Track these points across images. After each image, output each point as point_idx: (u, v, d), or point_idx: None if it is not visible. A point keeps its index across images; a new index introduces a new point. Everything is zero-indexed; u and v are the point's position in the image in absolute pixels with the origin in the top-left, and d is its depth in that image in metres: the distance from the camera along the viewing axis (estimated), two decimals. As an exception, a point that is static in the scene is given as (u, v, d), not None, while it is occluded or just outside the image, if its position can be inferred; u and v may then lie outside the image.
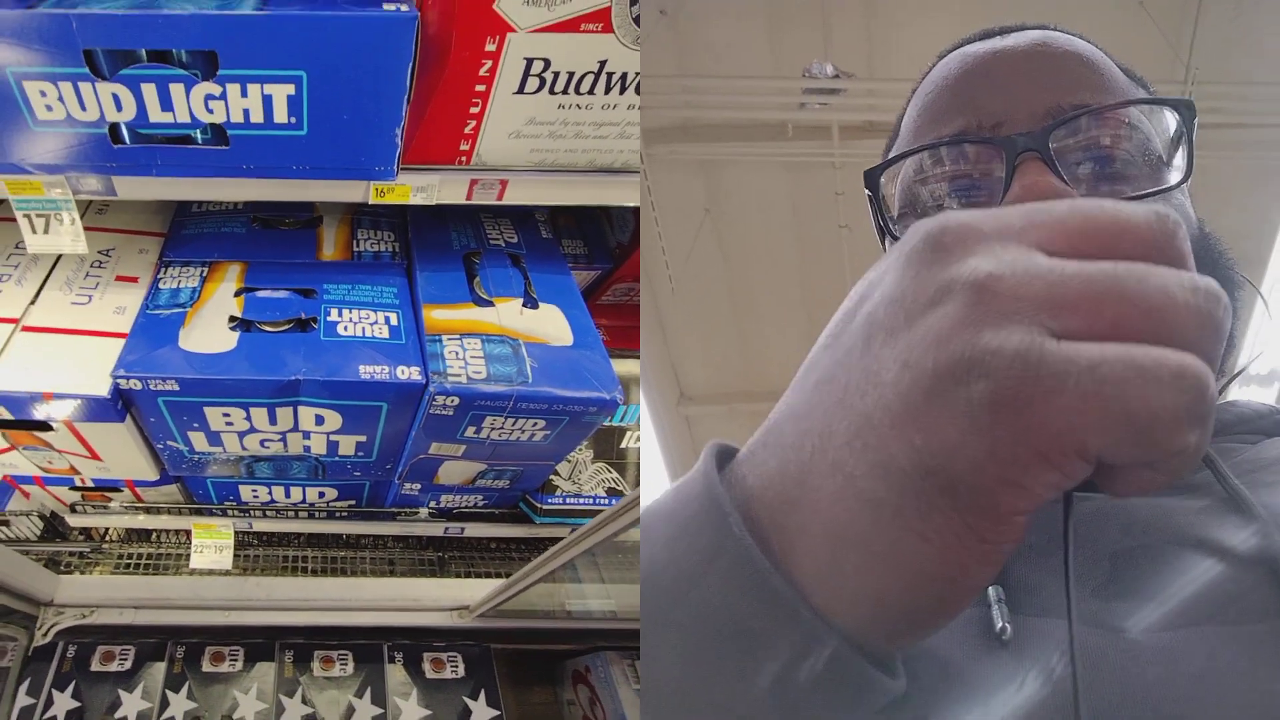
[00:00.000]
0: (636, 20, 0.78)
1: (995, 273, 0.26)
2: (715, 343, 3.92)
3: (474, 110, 0.86)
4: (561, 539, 1.85)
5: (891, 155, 0.55)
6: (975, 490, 0.25)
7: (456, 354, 1.12)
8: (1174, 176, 0.50)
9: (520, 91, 0.85)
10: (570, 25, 0.78)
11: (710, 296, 3.70)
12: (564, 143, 0.94)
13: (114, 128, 0.80)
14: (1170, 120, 0.50)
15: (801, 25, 2.86)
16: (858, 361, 0.28)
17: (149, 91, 0.75)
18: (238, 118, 0.79)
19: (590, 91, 0.85)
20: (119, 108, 0.77)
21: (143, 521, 1.51)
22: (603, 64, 0.83)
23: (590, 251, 1.45)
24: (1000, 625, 0.39)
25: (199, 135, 0.81)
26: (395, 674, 1.73)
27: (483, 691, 1.73)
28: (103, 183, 0.85)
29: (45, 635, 1.44)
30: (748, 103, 2.99)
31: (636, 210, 1.40)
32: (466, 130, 0.89)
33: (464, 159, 0.94)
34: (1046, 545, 0.42)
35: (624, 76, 0.85)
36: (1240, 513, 0.41)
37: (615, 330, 1.26)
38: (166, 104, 0.76)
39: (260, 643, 1.65)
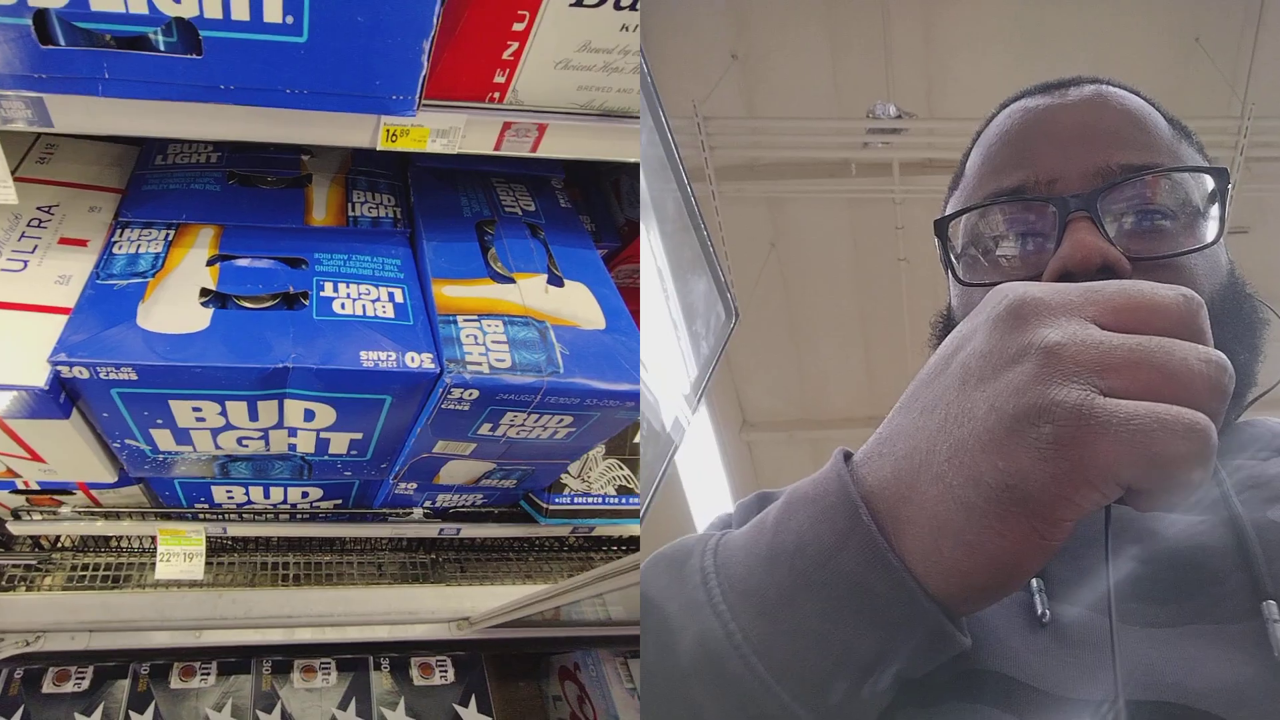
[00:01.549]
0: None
1: (1061, 342, 0.34)
2: (777, 372, 3.99)
3: (518, 27, 0.63)
4: (555, 545, 1.66)
5: (958, 207, 0.58)
6: (1040, 502, 0.33)
7: (475, 338, 0.89)
8: (1207, 229, 0.53)
9: (579, 3, 0.62)
10: None
11: (773, 327, 3.78)
12: (619, 78, 0.71)
13: (42, 19, 0.55)
14: (1208, 180, 0.54)
15: (864, 66, 2.90)
16: (955, 399, 0.36)
17: (87, -38, 0.51)
18: (213, 11, 0.54)
19: None
20: (45, -13, 0.52)
21: (100, 528, 1.25)
22: None
23: (597, 229, 1.25)
24: (1041, 610, 0.46)
25: (160, 38, 0.57)
26: (381, 682, 1.55)
27: (473, 697, 1.58)
28: (31, 106, 0.61)
29: None
30: (813, 142, 3.07)
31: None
32: (506, 55, 0.66)
33: (498, 94, 0.71)
34: (1078, 550, 0.48)
35: None
36: (1233, 529, 0.47)
37: None
38: (113, -17, 0.52)
39: (234, 660, 1.43)
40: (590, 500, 1.42)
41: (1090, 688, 0.43)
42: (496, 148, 0.74)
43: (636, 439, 1.41)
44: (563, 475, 1.38)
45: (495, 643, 1.58)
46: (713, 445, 3.13)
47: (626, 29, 0.64)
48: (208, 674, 1.45)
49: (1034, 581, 0.49)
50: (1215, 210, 0.55)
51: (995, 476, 0.33)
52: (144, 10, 0.53)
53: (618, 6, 0.62)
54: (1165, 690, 0.42)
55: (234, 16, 0.55)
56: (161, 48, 0.57)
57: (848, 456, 0.41)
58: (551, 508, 1.39)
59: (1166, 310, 0.35)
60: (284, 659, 1.48)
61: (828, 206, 3.31)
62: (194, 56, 0.57)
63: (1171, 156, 0.56)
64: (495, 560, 1.65)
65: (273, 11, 0.55)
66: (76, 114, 0.63)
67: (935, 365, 0.38)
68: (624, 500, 1.42)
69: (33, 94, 0.60)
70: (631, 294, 1.39)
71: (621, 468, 1.44)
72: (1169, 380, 0.33)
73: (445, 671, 1.59)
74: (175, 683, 1.46)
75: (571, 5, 0.61)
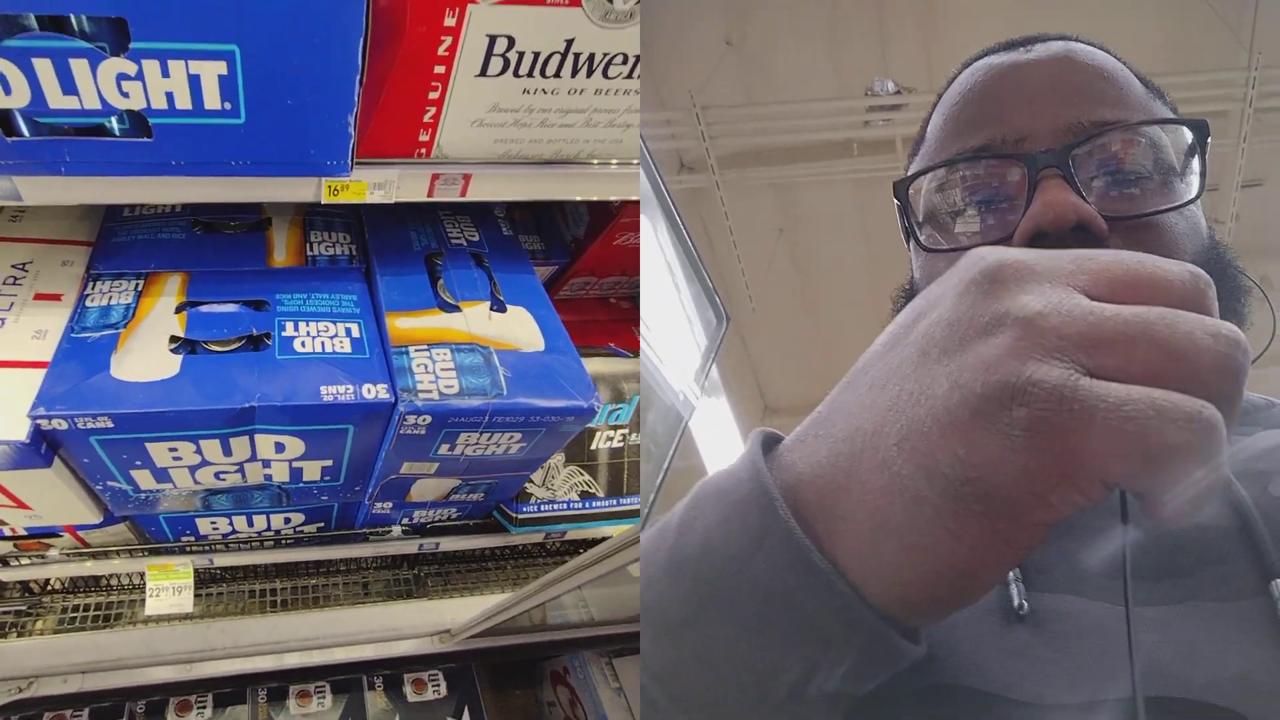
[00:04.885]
0: (607, -5, 0.64)
1: (1043, 311, 0.29)
2: (797, 356, 4.04)
3: (433, 95, 0.72)
4: (535, 551, 1.72)
5: (920, 168, 0.56)
6: (1007, 501, 0.28)
7: (426, 367, 0.98)
8: (1186, 189, 0.51)
9: (483, 74, 0.71)
10: None
11: (789, 312, 3.83)
12: (529, 131, 0.80)
13: (6, 117, 0.63)
14: (1186, 136, 0.52)
15: (861, 44, 2.92)
16: (912, 373, 0.31)
17: (44, 70, 0.59)
18: (159, 103, 0.63)
19: (556, 74, 0.72)
20: (8, 90, 0.60)
21: (90, 568, 1.32)
22: (569, 43, 0.71)
23: (547, 246, 1.35)
24: (1018, 602, 0.43)
25: (115, 125, 0.65)
26: (376, 701, 1.62)
27: (466, 709, 1.64)
28: (3, 184, 0.69)
29: None
30: (813, 125, 3.08)
31: (591, 204, 1.27)
32: (426, 119, 0.75)
33: (424, 150, 0.79)
34: (1057, 530, 0.42)
35: (591, 58, 0.73)
36: (1233, 505, 0.44)
37: (575, 325, 1.13)
38: (69, 86, 0.60)
39: (229, 691, 1.49)
40: (556, 507, 1.49)
41: (1080, 689, 0.39)
42: (429, 195, 0.83)
43: (594, 446, 1.49)
44: (528, 485, 1.46)
45: (479, 653, 1.65)
46: (735, 434, 3.18)
47: (528, 92, 0.73)
48: (204, 707, 1.51)
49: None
50: (1195, 167, 0.52)
51: (954, 467, 0.28)
52: (97, 106, 0.62)
53: (516, 74, 0.71)
54: (1167, 683, 0.38)
55: (178, 106, 0.64)
56: (116, 133, 0.66)
57: (772, 442, 0.36)
58: (521, 516, 1.47)
59: (1170, 286, 0.29)
60: (279, 685, 1.54)
61: (834, 188, 3.34)
62: (145, 140, 0.66)
63: (1145, 113, 0.53)
64: (477, 571, 1.73)
65: (212, 100, 0.63)
66: (43, 190, 0.72)
67: (892, 335, 0.33)
68: (587, 504, 1.50)
69: (3, 176, 0.68)
70: (586, 305, 1.48)
71: (582, 473, 1.52)
72: (1171, 359, 0.27)
73: (438, 686, 1.66)
74: (171, 718, 1.52)
75: (477, 76, 0.70)
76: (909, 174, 0.59)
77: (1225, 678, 0.38)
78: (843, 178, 3.24)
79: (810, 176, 3.24)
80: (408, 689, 1.63)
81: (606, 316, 1.51)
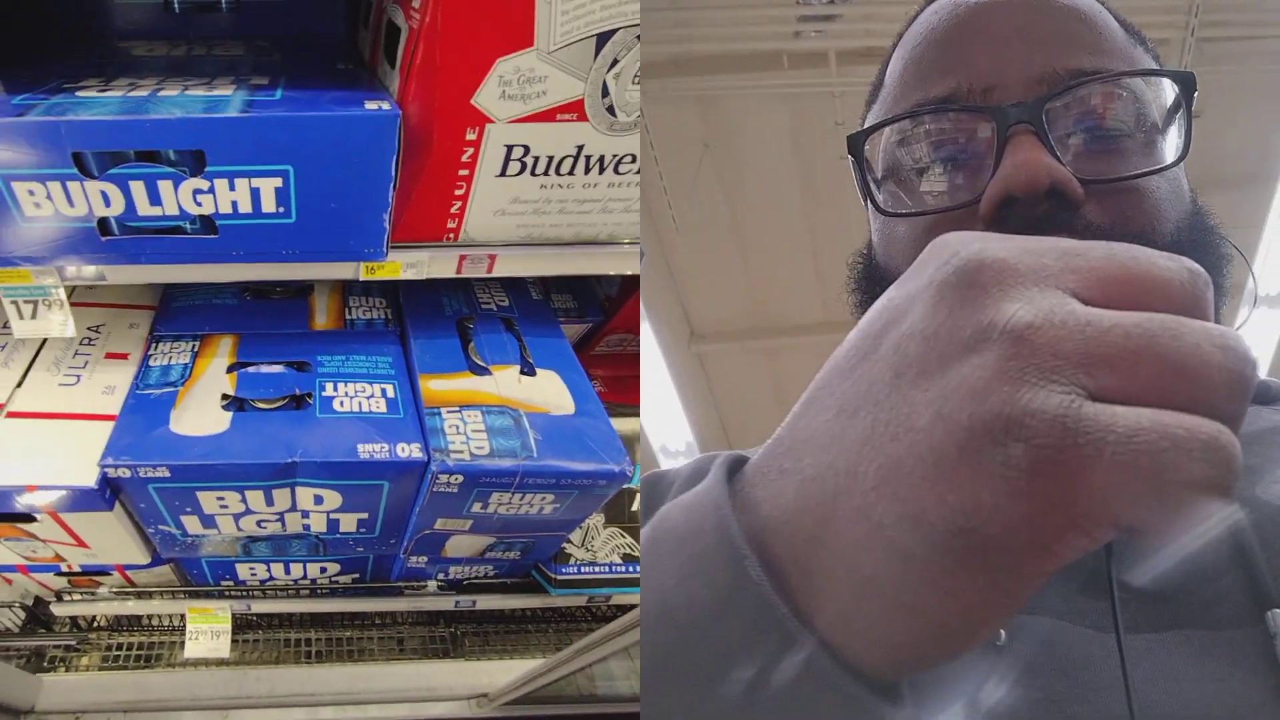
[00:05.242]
0: (610, 110, 0.86)
1: (1034, 323, 0.28)
2: (722, 280, 4.15)
3: (459, 193, 0.96)
4: (580, 615, 1.90)
5: (878, 120, 0.58)
6: (1008, 552, 0.28)
7: (457, 428, 1.19)
8: (1168, 148, 0.54)
9: (503, 174, 0.95)
10: (546, 116, 0.88)
11: (715, 233, 3.91)
12: (548, 218, 1.03)
13: (103, 221, 0.89)
14: (1168, 90, 0.54)
15: None
16: (886, 399, 0.30)
17: (137, 188, 0.85)
18: (226, 209, 0.88)
19: (570, 173, 0.95)
20: (107, 204, 0.86)
21: (133, 607, 1.58)
22: (580, 148, 0.93)
23: (580, 305, 1.55)
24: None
25: (188, 225, 0.90)
26: None
27: None
28: (92, 271, 0.95)
29: None
30: (741, 33, 3.14)
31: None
32: (453, 210, 0.98)
33: (452, 235, 1.03)
34: None
35: (601, 159, 0.94)
36: None
37: (611, 381, 1.33)
38: (155, 199, 0.86)
39: None
40: (597, 569, 1.67)
41: None
42: (458, 272, 1.06)
43: (635, 507, 1.69)
44: (568, 546, 1.66)
45: None
46: (659, 360, 3.32)
47: (545, 186, 0.96)
48: (238, 759, 1.76)
49: None
50: (1179, 124, 0.53)
51: (943, 516, 0.28)
52: (176, 213, 0.87)
53: (533, 174, 0.93)
54: None
55: (240, 211, 0.89)
56: (188, 232, 0.91)
57: (736, 467, 0.36)
58: (559, 578, 1.66)
59: (1168, 286, 0.30)
60: None
61: (762, 102, 3.41)
62: (212, 237, 0.91)
63: (1126, 62, 0.55)
64: (517, 634, 1.86)
65: (268, 206, 0.88)
66: (124, 274, 0.97)
67: (858, 345, 0.33)
68: (630, 568, 1.69)
69: (95, 266, 0.94)
70: (623, 360, 1.68)
71: (624, 535, 1.71)
72: (1180, 377, 0.27)
73: None
74: (207, 765, 1.77)
75: (497, 176, 0.93)
76: (866, 126, 0.60)
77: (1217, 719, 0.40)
78: (773, 91, 3.31)
79: (738, 89, 3.31)
80: (445, 760, 1.81)
81: (643, 374, 1.70)
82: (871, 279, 0.63)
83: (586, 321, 1.51)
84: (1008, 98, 0.52)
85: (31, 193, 0.85)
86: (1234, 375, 0.28)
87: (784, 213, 3.85)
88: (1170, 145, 0.54)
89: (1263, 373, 0.62)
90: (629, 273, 1.13)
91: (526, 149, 0.90)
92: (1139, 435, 0.26)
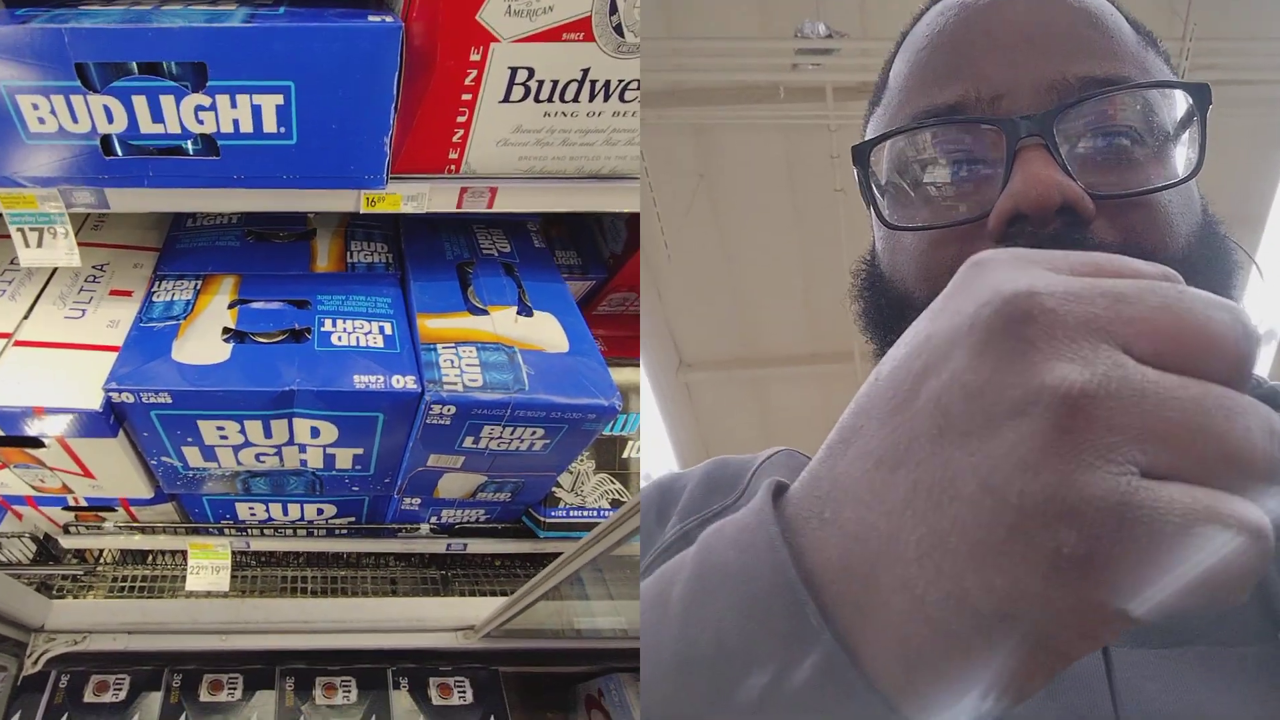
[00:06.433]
0: (618, 29, 0.83)
1: (1089, 390, 0.25)
2: (713, 309, 4.08)
3: (461, 119, 0.92)
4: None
5: (883, 130, 0.55)
6: (1053, 641, 0.26)
7: (451, 362, 1.17)
8: (1179, 159, 0.51)
9: (506, 100, 0.91)
10: (552, 35, 0.84)
11: (707, 262, 3.84)
12: (551, 150, 1.00)
13: (106, 140, 0.86)
14: (1180, 99, 0.51)
15: None
16: (927, 458, 0.28)
17: (140, 103, 0.81)
18: (227, 128, 0.84)
19: (575, 99, 0.91)
20: (110, 119, 0.83)
21: (138, 542, 1.57)
22: (585, 72, 0.89)
23: (584, 262, 1.52)
24: None
25: (190, 146, 0.87)
26: (401, 701, 1.75)
27: (492, 718, 1.77)
28: (95, 195, 0.92)
29: (36, 663, 1.48)
30: (738, 64, 3.07)
31: (629, 218, 1.45)
32: (454, 139, 0.95)
33: (453, 167, 0.99)
34: None
35: (607, 84, 0.91)
36: None
37: (613, 340, 1.31)
38: (157, 115, 0.82)
39: (260, 669, 1.69)
40: (585, 513, 1.67)
41: None
42: (459, 206, 1.03)
43: (625, 454, 1.67)
44: (557, 490, 1.64)
45: (505, 655, 1.80)
46: (647, 389, 3.28)
47: (549, 115, 0.93)
48: (234, 688, 1.74)
49: None
50: (1192, 136, 0.51)
51: (987, 599, 0.26)
52: (178, 131, 0.84)
53: (537, 100, 0.90)
54: None
55: (242, 130, 0.85)
56: (190, 153, 0.88)
57: (779, 494, 0.33)
58: (549, 521, 1.64)
59: (1223, 344, 0.27)
60: (306, 671, 1.75)
61: (758, 134, 3.36)
62: (214, 158, 0.88)
63: (1138, 68, 0.52)
64: (506, 578, 1.87)
65: (269, 125, 0.85)
66: (127, 199, 0.94)
67: (895, 386, 0.30)
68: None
69: (96, 188, 0.91)
70: (625, 320, 1.66)
71: (613, 482, 1.70)
72: (1230, 461, 0.25)
73: (464, 692, 1.81)
74: (205, 696, 1.75)
75: (500, 102, 0.90)
76: (868, 130, 0.58)
77: None
78: (768, 123, 3.26)
79: (734, 120, 3.25)
80: (433, 692, 1.77)
81: (644, 331, 1.69)
82: (875, 288, 0.59)
83: (590, 278, 1.49)
84: (1017, 107, 0.49)
85: (35, 106, 0.81)
86: (1275, 461, 0.26)
87: (776, 244, 3.78)
88: (1181, 156, 0.51)
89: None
90: (632, 210, 1.10)
91: (531, 72, 0.87)
92: (1195, 526, 0.24)
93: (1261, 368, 0.52)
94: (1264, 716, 0.39)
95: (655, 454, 4.25)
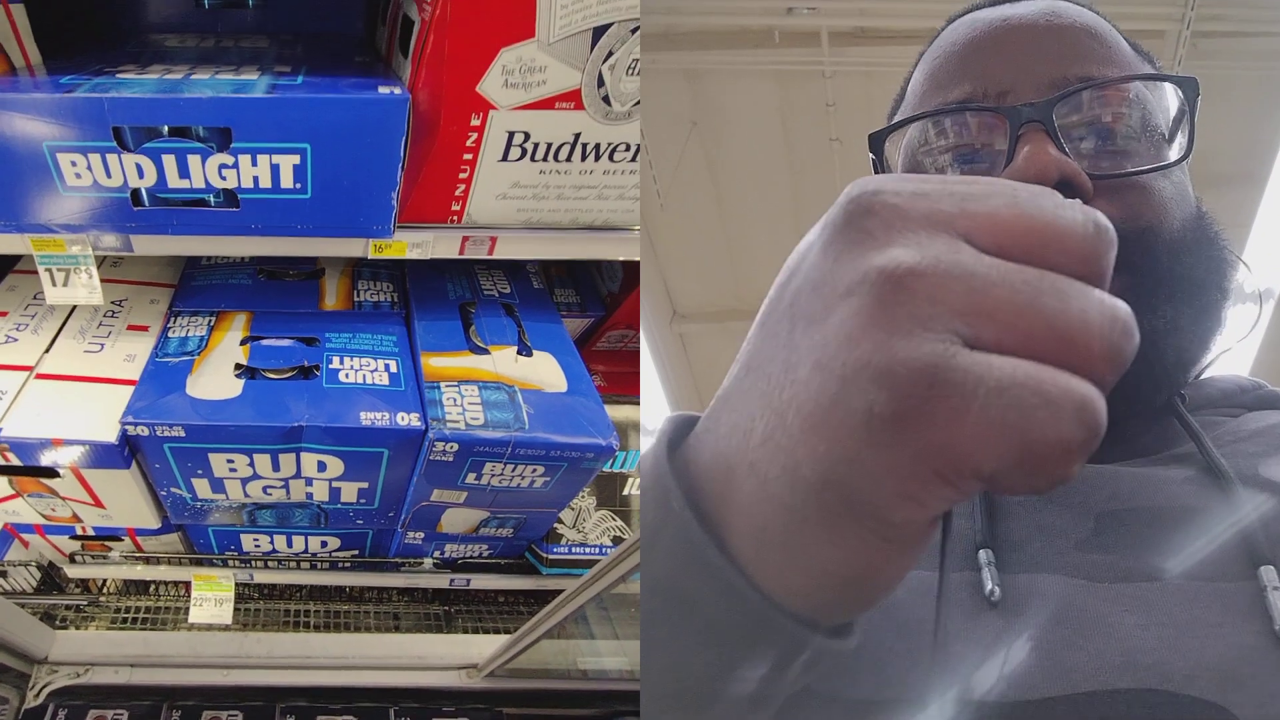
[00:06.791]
0: (605, 100, 0.92)
1: (915, 269, 0.27)
2: (706, 259, 4.06)
3: (463, 176, 1.01)
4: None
5: (896, 120, 0.61)
6: (871, 505, 0.28)
7: (454, 400, 1.24)
8: (1173, 153, 0.55)
9: (504, 159, 1.00)
10: (545, 104, 0.94)
11: (700, 212, 3.82)
12: (547, 203, 1.09)
13: (135, 192, 0.94)
14: (1173, 97, 0.56)
15: None
16: (779, 352, 0.30)
17: (169, 161, 0.90)
18: (248, 184, 0.93)
19: (568, 159, 1.00)
20: (141, 175, 0.91)
21: (141, 572, 1.61)
22: (577, 136, 0.99)
23: (583, 300, 1.60)
24: (990, 588, 0.45)
25: (212, 199, 0.95)
26: None
27: None
28: (121, 240, 1.00)
29: (38, 696, 1.50)
30: (733, 7, 3.06)
31: (624, 260, 1.53)
32: (457, 193, 1.04)
33: (455, 218, 1.08)
34: (1035, 501, 0.49)
35: (597, 146, 1.00)
36: (1219, 482, 0.48)
37: (612, 376, 1.37)
38: (184, 172, 0.91)
39: (260, 705, 1.69)
40: (588, 550, 1.71)
41: (1055, 682, 0.42)
42: (461, 253, 1.11)
43: (626, 491, 1.73)
44: (559, 527, 1.69)
45: (509, 695, 1.82)
46: (639, 340, 3.21)
47: (544, 173, 1.01)
48: (234, 723, 1.78)
49: (982, 553, 0.47)
50: (1183, 128, 0.55)
51: (813, 467, 0.28)
52: (202, 186, 0.92)
53: (533, 160, 0.99)
54: (1144, 673, 0.41)
55: (261, 185, 0.94)
56: (212, 204, 0.96)
57: (686, 424, 0.36)
58: (551, 557, 1.69)
59: (1069, 237, 0.28)
60: (307, 708, 1.78)
61: (752, 80, 3.32)
62: (234, 210, 0.96)
63: (1133, 71, 0.57)
64: (509, 615, 1.89)
65: (287, 182, 0.93)
66: (150, 245, 1.02)
67: (770, 299, 0.32)
68: (622, 553, 1.73)
69: (122, 234, 0.99)
70: (623, 356, 1.73)
71: (614, 519, 1.75)
72: (1058, 340, 0.26)
73: None
74: (203, 728, 1.79)
75: (499, 161, 0.98)
76: (886, 126, 0.63)
77: (1208, 666, 0.40)
78: (763, 68, 3.23)
79: (727, 65, 3.23)
80: (435, 730, 1.83)
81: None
82: None
83: (588, 316, 1.56)
84: (1020, 100, 0.54)
85: (74, 163, 0.90)
86: (1115, 350, 0.27)
87: (770, 192, 3.78)
88: (1175, 151, 0.56)
89: (1247, 371, 0.64)
90: (624, 258, 1.18)
91: (527, 135, 0.96)
92: (1011, 390, 0.26)
93: (1261, 326, 0.60)
94: (1245, 642, 0.41)
95: (652, 406, 4.21)
